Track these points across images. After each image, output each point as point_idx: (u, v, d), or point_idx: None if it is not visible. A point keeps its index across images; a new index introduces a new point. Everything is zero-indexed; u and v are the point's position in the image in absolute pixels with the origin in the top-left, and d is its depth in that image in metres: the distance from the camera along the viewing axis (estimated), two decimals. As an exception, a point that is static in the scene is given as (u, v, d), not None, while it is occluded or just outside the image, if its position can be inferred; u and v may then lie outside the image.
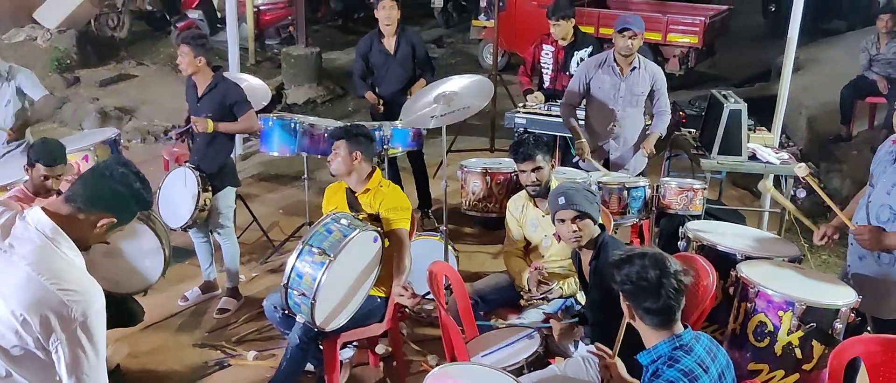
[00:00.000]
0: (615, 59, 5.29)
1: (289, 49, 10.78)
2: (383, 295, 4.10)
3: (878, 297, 3.62)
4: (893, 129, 3.72)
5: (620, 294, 2.63)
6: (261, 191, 7.28)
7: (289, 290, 3.61)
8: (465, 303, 3.95)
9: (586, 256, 3.55)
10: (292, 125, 5.45)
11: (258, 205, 6.70)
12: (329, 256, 3.54)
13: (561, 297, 4.02)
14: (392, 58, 6.10)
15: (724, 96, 5.61)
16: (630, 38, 5.15)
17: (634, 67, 5.29)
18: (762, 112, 6.48)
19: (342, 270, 3.63)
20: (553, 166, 4.26)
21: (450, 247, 4.90)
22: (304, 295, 3.56)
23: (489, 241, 6.11)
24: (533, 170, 4.11)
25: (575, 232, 3.47)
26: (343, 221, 3.72)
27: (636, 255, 2.60)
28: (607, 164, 5.44)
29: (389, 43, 6.10)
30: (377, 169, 4.22)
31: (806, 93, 9.68)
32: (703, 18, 10.64)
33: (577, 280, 3.88)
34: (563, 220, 3.51)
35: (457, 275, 4.09)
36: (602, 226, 3.57)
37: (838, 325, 3.35)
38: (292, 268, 3.59)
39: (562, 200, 3.49)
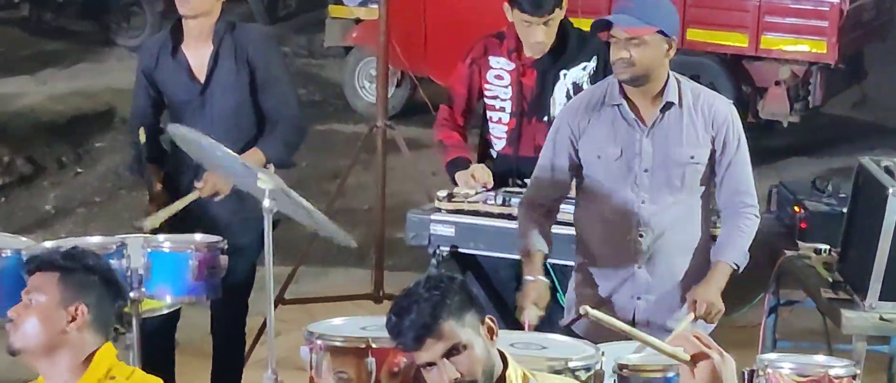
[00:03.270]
0: (624, 93, 5.39)
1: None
2: None
3: None
4: None
5: None
6: None
7: None
8: None
9: None
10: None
11: None
12: None
13: None
14: (203, 89, 6.30)
15: (888, 171, 5.78)
16: (627, 42, 5.23)
17: (670, 103, 5.39)
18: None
19: None
20: (493, 334, 4.28)
21: None
22: None
23: None
24: (447, 356, 4.12)
25: None
26: None
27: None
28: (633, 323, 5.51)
29: (197, 57, 6.30)
30: (108, 344, 4.25)
31: None
32: (837, 2, 11.08)
33: None
34: None
35: None
36: None
37: None
38: None
39: None
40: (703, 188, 5.48)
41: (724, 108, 5.44)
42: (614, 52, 5.19)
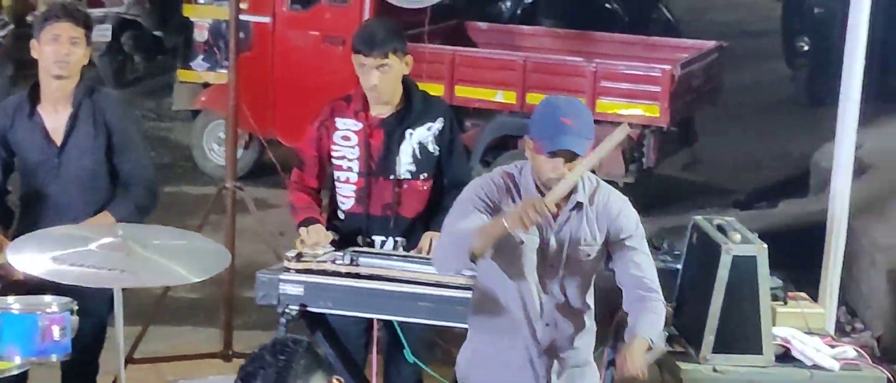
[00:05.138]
0: (537, 185, 5.37)
1: None
2: None
3: None
4: None
5: None
6: None
7: None
8: None
9: None
10: None
11: None
12: None
13: None
14: (58, 152, 6.23)
15: (720, 229, 5.86)
16: (568, 162, 5.23)
17: (578, 203, 5.37)
18: (798, 261, 6.79)
19: None
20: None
21: None
22: None
23: None
24: None
25: None
26: None
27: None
28: None
29: (55, 118, 6.24)
30: None
31: (880, 218, 10.29)
32: (668, 68, 11.29)
33: None
34: None
35: None
36: None
37: None
38: None
39: None
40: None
41: (618, 201, 5.48)
42: (554, 171, 5.13)
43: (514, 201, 5.22)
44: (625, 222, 5.34)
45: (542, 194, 5.10)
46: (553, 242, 5.28)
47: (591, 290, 5.43)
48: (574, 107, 5.29)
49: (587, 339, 5.39)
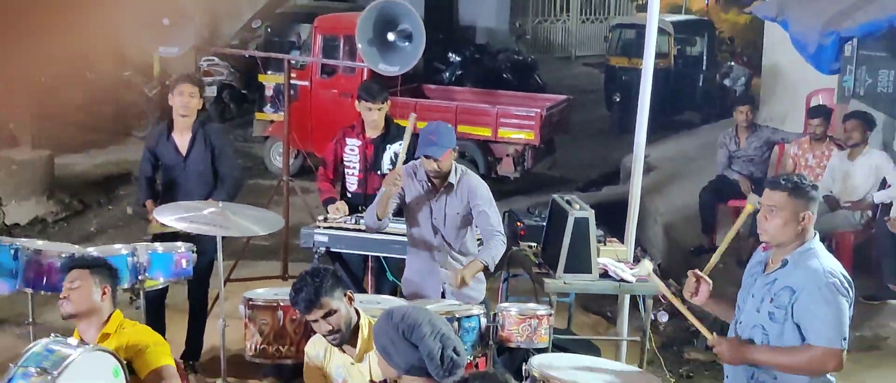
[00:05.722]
0: (427, 174, 5.45)
1: (9, 153, 10.38)
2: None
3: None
4: (759, 236, 4.02)
5: None
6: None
7: None
8: None
9: None
10: (12, 252, 5.18)
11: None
12: (50, 375, 3.53)
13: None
14: (183, 160, 6.19)
15: (568, 202, 5.87)
16: (439, 162, 5.31)
17: (450, 184, 5.39)
18: (613, 220, 6.84)
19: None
20: (351, 301, 4.24)
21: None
22: None
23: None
24: (324, 317, 4.09)
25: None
26: (70, 340, 3.77)
27: (474, 376, 2.85)
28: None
29: (182, 140, 6.19)
30: (117, 312, 4.28)
31: (660, 196, 10.39)
32: (538, 111, 11.29)
33: None
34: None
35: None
36: None
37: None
38: None
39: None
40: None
41: (476, 182, 5.50)
42: (427, 166, 5.27)
43: (414, 181, 5.45)
44: (478, 195, 5.40)
45: (430, 179, 5.40)
46: (435, 208, 5.41)
47: (469, 233, 5.53)
48: (436, 129, 5.34)
49: (465, 259, 5.46)
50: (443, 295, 5.46)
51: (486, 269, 5.34)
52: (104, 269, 4.30)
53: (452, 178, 5.36)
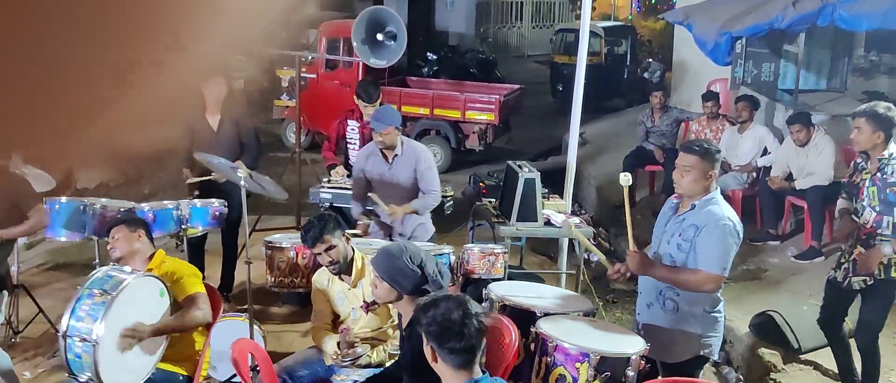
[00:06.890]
0: (381, 150, 5.46)
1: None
2: (185, 373, 3.99)
3: (664, 344, 3.91)
4: (674, 192, 4.08)
5: (425, 336, 2.77)
6: (48, 280, 6.80)
7: (68, 340, 3.42)
8: (273, 381, 3.84)
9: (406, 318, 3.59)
10: (82, 208, 5.18)
11: (45, 297, 6.21)
12: (110, 294, 3.50)
13: (369, 365, 4.01)
14: (217, 133, 6.09)
15: (520, 167, 5.92)
16: (382, 135, 5.32)
17: (397, 155, 5.43)
18: (555, 182, 6.90)
19: (126, 314, 3.57)
20: (348, 240, 4.29)
21: (256, 327, 4.77)
22: (84, 340, 3.41)
23: (297, 319, 6.02)
24: (326, 251, 4.15)
25: (375, 290, 3.60)
26: (126, 269, 3.77)
27: (441, 298, 2.80)
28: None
29: (213, 120, 6.10)
30: (160, 250, 4.27)
31: (593, 164, 10.45)
32: (498, 97, 11.29)
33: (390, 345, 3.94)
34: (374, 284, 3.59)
35: (263, 351, 3.99)
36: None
37: (630, 373, 3.56)
38: (71, 314, 3.47)
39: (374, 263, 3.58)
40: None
41: (420, 150, 5.52)
42: (376, 139, 5.33)
43: (371, 158, 5.49)
44: (421, 160, 5.43)
45: (382, 152, 5.41)
46: (387, 176, 5.42)
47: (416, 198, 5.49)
48: (382, 111, 5.43)
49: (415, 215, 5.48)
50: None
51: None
52: (134, 220, 4.34)
53: (398, 150, 5.41)
